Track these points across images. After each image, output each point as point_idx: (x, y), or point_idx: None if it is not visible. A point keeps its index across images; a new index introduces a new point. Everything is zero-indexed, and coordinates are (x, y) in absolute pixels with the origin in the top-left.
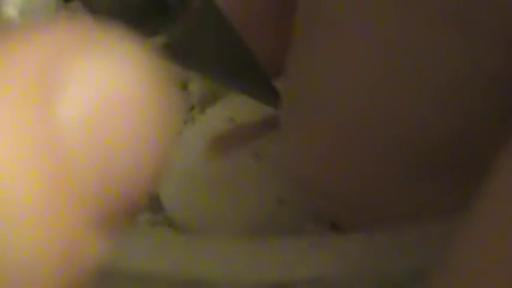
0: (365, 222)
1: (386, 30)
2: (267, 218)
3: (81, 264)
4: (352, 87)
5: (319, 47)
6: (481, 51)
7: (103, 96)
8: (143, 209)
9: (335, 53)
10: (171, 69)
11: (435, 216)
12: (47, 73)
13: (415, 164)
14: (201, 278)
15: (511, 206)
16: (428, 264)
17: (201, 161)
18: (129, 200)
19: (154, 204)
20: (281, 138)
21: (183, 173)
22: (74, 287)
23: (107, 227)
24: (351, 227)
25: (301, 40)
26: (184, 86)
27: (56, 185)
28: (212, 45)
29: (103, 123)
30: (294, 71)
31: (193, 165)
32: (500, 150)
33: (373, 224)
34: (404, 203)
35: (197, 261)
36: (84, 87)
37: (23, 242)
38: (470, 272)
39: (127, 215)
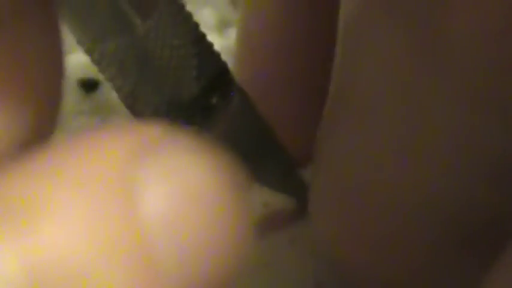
0: None
1: (426, 116)
2: None
3: None
4: (386, 172)
5: (350, 134)
6: None
7: (182, 193)
8: None
9: (365, 141)
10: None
11: None
12: (128, 174)
13: (450, 242)
14: None
15: None
16: None
17: None
18: None
19: None
20: (313, 224)
21: None
22: None
23: None
24: None
25: (330, 128)
26: None
27: (145, 280)
28: (248, 143)
29: (185, 217)
30: (322, 159)
31: None
32: None
33: None
34: (442, 282)
35: None
36: (164, 185)
37: None
38: None
39: None
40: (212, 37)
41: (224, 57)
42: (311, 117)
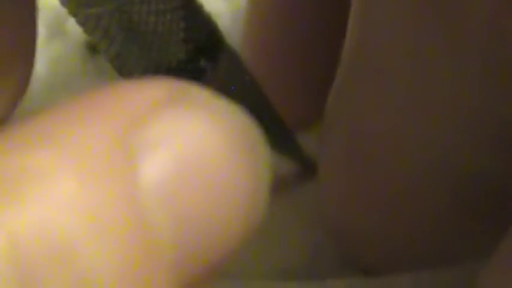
0: (400, 269)
1: (438, 76)
2: (303, 266)
3: None
4: (396, 133)
5: (361, 95)
6: None
7: (188, 159)
8: None
9: (377, 102)
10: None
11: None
12: (127, 139)
13: (458, 207)
14: None
15: None
16: None
17: None
18: (215, 264)
19: None
20: (317, 187)
21: None
22: None
23: None
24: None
25: (343, 89)
26: None
27: (138, 253)
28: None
29: (187, 186)
30: (334, 121)
31: None
32: None
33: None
34: (448, 247)
35: None
36: (168, 149)
37: None
38: None
39: (210, 275)
40: (218, 1)
41: (230, 21)
42: (316, 80)
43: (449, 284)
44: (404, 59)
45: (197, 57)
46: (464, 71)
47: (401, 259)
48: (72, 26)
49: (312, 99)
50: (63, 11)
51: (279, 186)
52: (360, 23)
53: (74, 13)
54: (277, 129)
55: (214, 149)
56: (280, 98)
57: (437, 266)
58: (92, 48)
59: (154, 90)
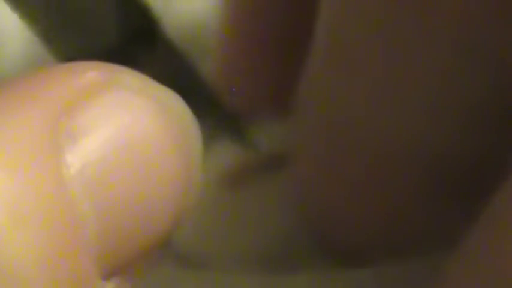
0: (376, 251)
1: (409, 58)
2: (275, 253)
3: None
4: (369, 116)
5: (337, 85)
6: (502, 77)
7: (117, 145)
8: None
9: (350, 86)
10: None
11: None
12: (60, 122)
13: (431, 188)
14: None
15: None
16: None
17: (211, 196)
18: (147, 249)
19: None
20: (291, 173)
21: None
22: None
23: (122, 276)
24: (360, 258)
25: (316, 79)
26: None
27: (62, 242)
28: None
29: (115, 174)
30: (306, 109)
31: (203, 200)
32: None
33: (385, 255)
34: (422, 229)
35: None
36: (96, 136)
37: None
38: None
39: (145, 262)
40: None
41: None
42: (285, 68)
43: (411, 278)
44: (378, 49)
45: (131, 43)
46: (435, 58)
47: (377, 240)
48: None
49: (281, 87)
50: None
51: (254, 171)
52: (333, 16)
53: None
54: (222, 120)
55: (145, 135)
56: (247, 84)
57: (412, 246)
58: None
59: (86, 75)
